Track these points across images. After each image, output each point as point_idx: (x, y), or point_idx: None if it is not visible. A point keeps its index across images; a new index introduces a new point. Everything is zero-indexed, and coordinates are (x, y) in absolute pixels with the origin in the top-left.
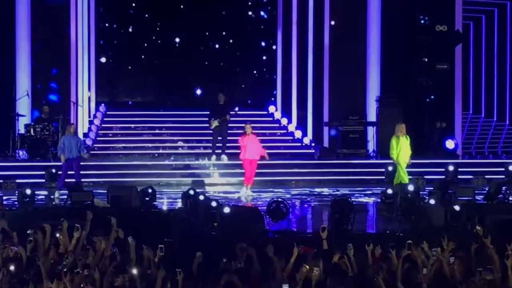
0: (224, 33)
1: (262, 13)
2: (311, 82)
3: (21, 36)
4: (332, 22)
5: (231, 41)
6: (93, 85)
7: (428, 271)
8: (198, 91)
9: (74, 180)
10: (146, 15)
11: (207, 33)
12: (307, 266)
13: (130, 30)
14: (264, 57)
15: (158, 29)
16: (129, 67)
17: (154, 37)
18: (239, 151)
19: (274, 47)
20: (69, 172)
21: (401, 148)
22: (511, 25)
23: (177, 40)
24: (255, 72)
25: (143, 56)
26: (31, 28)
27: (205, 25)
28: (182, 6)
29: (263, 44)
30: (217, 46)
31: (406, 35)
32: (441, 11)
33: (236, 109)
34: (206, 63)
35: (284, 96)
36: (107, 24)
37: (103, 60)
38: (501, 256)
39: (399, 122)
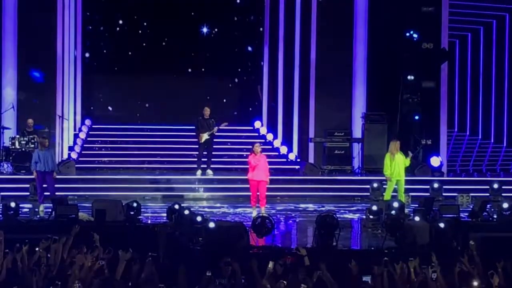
0: (209, 53)
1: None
2: (297, 98)
3: (8, 48)
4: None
5: (217, 61)
6: (79, 99)
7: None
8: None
9: (48, 193)
10: (132, 37)
11: (192, 53)
12: (285, 282)
13: (116, 51)
14: (251, 74)
15: (144, 45)
16: (115, 82)
17: (139, 58)
18: (224, 166)
19: (262, 62)
20: (44, 186)
21: (395, 166)
22: (497, 43)
23: (162, 58)
24: (241, 87)
25: (129, 71)
26: (17, 41)
27: (191, 41)
28: (166, 38)
29: (249, 63)
30: (203, 69)
31: (392, 52)
32: (428, 28)
33: (226, 123)
34: (193, 79)
35: (269, 111)
36: (93, 39)
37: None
38: (485, 273)
39: (394, 140)
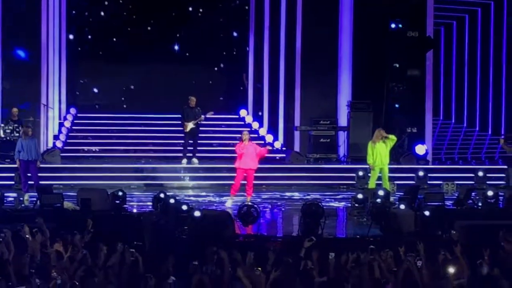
0: (196, 39)
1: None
2: (282, 86)
3: None
4: None
5: (202, 47)
6: (64, 88)
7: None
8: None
9: (32, 183)
10: (117, 22)
11: (178, 39)
12: (260, 268)
13: (101, 36)
14: (236, 62)
15: (128, 34)
16: (100, 69)
17: (124, 43)
18: (209, 155)
19: (247, 48)
20: (28, 175)
21: (377, 154)
22: (482, 31)
23: (148, 46)
24: (226, 74)
25: (113, 58)
26: (1, 30)
27: (177, 32)
28: (152, 20)
29: (235, 50)
30: (187, 54)
31: (377, 41)
32: (413, 17)
33: (211, 112)
34: (177, 68)
35: (255, 100)
36: (77, 28)
37: (71, 37)
38: (470, 261)
39: (378, 128)
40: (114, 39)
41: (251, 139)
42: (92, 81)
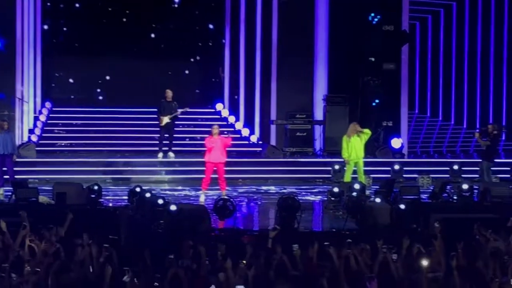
0: (171, 32)
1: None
2: (258, 80)
3: None
4: None
5: (178, 39)
6: (39, 81)
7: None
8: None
9: (8, 177)
10: (92, 14)
11: (154, 31)
12: (244, 262)
13: (76, 28)
14: (212, 55)
15: (103, 26)
16: (75, 64)
17: (99, 35)
18: (185, 148)
19: (223, 40)
20: (4, 169)
21: (353, 148)
22: (456, 26)
23: (123, 38)
24: (202, 67)
25: (89, 53)
26: None
27: (152, 24)
28: (127, 11)
29: (211, 42)
30: (162, 46)
31: (353, 35)
32: (388, 11)
33: (187, 108)
34: (153, 60)
35: (231, 94)
36: (52, 21)
37: (45, 27)
38: (445, 254)
39: (353, 122)
40: (89, 32)
41: (221, 132)
42: (67, 74)
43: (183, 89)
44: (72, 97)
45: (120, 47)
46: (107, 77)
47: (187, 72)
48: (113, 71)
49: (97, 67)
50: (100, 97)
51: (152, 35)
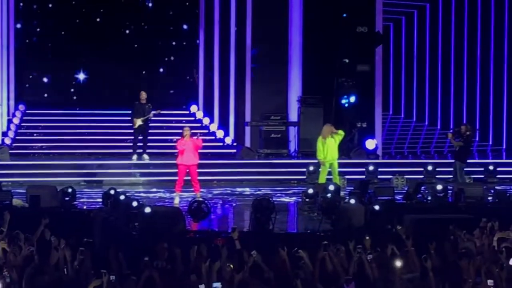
0: (145, 32)
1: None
2: (233, 81)
3: None
4: None
5: (152, 39)
6: (13, 84)
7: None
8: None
9: None
10: (65, 14)
11: (127, 32)
12: (231, 266)
13: (50, 28)
14: (186, 56)
15: (77, 27)
16: (49, 66)
17: (73, 36)
18: (160, 150)
19: (197, 41)
20: None
21: (327, 149)
22: (430, 27)
23: (97, 39)
24: (176, 70)
25: (62, 53)
26: None
27: (127, 24)
28: (101, 11)
29: (185, 42)
30: (136, 46)
31: (327, 36)
32: (362, 12)
33: (159, 111)
34: (128, 62)
35: (206, 95)
36: (26, 22)
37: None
38: (419, 255)
39: (327, 124)
40: (63, 32)
41: (193, 134)
42: (41, 75)
43: (157, 91)
44: (46, 95)
45: (93, 48)
46: (81, 78)
47: (161, 70)
48: (87, 72)
49: (71, 68)
50: (74, 98)
51: (126, 36)
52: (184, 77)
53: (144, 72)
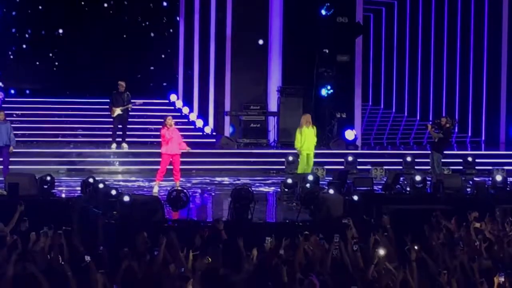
0: (124, 22)
1: (164, 3)
2: (212, 71)
3: None
4: None
5: (132, 29)
6: None
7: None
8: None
9: (2, 167)
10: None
11: (107, 21)
12: (209, 258)
13: (30, 17)
14: (166, 46)
15: (57, 17)
16: (29, 54)
17: (53, 25)
18: (139, 139)
19: (177, 32)
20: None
21: (305, 139)
22: (410, 18)
23: (76, 28)
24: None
25: (42, 44)
26: None
27: (106, 14)
28: (82, 3)
29: (165, 33)
30: (116, 36)
31: (307, 26)
32: (342, 2)
33: (140, 101)
34: (106, 50)
35: (185, 85)
36: (4, 10)
37: None
38: (399, 245)
39: (304, 113)
40: (41, 19)
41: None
42: (18, 63)
43: (136, 80)
44: (25, 83)
45: (73, 37)
46: (60, 66)
47: (140, 66)
48: (66, 61)
49: (50, 57)
50: (53, 87)
51: (105, 28)
52: (163, 67)
53: (123, 63)
